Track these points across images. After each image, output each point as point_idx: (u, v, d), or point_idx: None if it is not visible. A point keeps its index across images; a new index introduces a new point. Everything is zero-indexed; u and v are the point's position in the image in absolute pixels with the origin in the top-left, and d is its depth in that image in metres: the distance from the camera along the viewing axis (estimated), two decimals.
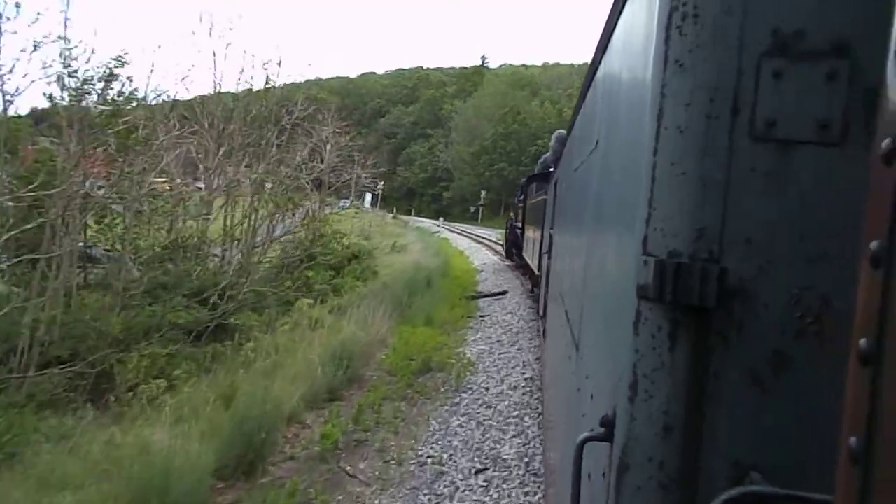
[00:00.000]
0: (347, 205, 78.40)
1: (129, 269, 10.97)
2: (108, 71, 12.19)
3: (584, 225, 3.29)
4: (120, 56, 12.23)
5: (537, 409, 8.20)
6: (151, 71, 14.43)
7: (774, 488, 1.11)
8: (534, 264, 14.79)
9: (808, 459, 1.14)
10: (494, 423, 7.78)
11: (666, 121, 1.26)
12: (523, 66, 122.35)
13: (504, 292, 19.50)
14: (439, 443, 7.29)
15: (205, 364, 9.63)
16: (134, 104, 12.80)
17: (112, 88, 12.26)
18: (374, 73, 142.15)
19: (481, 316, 15.57)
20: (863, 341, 0.63)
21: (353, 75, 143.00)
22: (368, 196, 73.14)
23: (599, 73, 3.19)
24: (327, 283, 15.55)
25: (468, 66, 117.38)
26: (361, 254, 19.57)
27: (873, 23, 0.68)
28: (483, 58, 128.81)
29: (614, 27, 2.45)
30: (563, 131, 12.53)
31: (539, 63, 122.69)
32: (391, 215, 64.37)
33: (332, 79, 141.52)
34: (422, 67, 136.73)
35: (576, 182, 4.59)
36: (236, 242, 15.23)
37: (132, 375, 7.94)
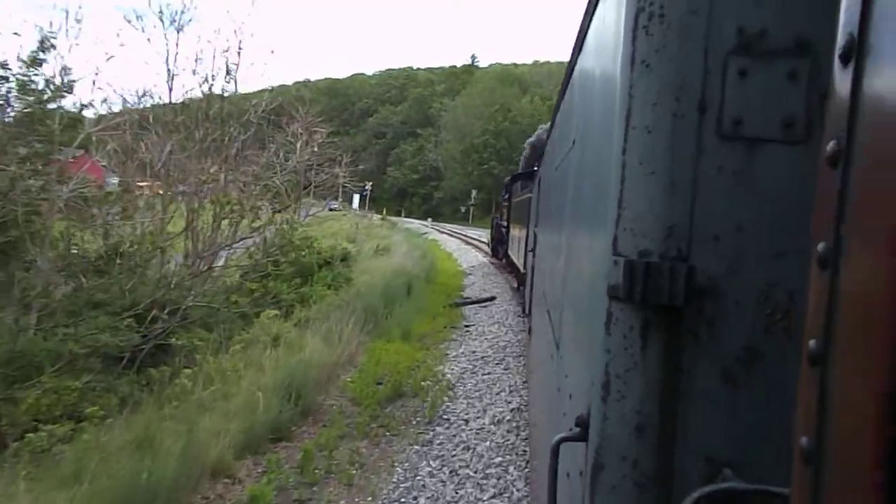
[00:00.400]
0: (336, 206, 77.39)
1: (50, 280, 9.43)
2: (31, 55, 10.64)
3: (564, 224, 3.28)
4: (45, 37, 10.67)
5: (524, 453, 6.77)
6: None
7: (746, 484, 1.12)
8: (519, 262, 14.89)
9: (780, 454, 1.09)
10: (472, 473, 6.33)
11: (634, 121, 1.27)
12: (513, 64, 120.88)
13: (492, 298, 18.12)
14: (401, 501, 5.83)
15: (133, 396, 8.12)
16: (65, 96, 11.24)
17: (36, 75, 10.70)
18: (364, 74, 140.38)
19: (466, 326, 14.19)
20: (812, 342, 0.65)
21: (342, 76, 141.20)
22: (356, 197, 71.78)
23: (576, 73, 3.18)
24: (295, 291, 14.15)
25: (458, 65, 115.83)
26: (335, 259, 18.00)
27: (833, 22, 0.67)
28: (473, 57, 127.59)
29: (588, 27, 2.48)
30: (533, 139, 15.09)
31: (529, 61, 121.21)
32: (379, 217, 62.79)
33: (322, 80, 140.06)
34: (411, 68, 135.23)
35: (556, 181, 4.55)
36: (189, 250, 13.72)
37: (27, 417, 6.45)
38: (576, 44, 3.05)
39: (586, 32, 2.56)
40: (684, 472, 1.22)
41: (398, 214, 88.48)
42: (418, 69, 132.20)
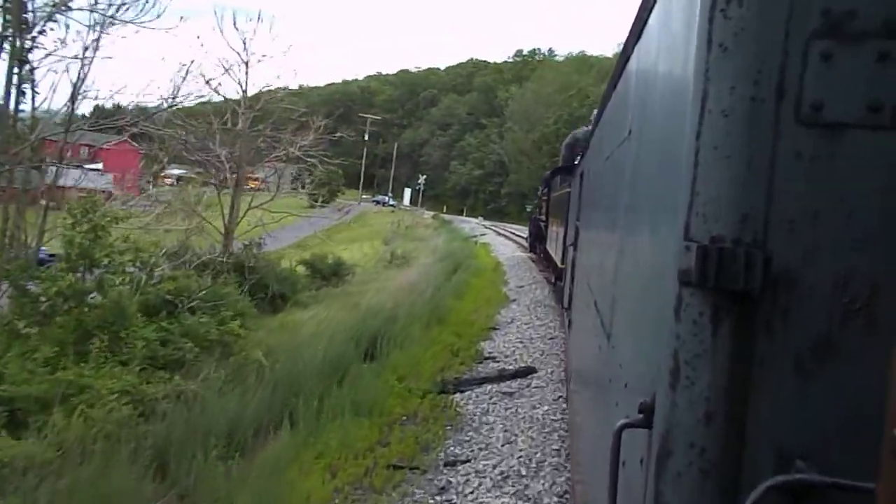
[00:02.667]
0: (386, 200, 74.22)
1: None
2: None
3: (617, 214, 3.33)
4: None
5: None
6: None
7: (821, 476, 1.12)
8: (557, 257, 14.69)
9: (853, 448, 1.13)
10: None
11: (710, 104, 1.28)
12: (588, 54, 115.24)
13: (531, 370, 10.30)
14: None
15: None
16: None
17: None
18: (437, 69, 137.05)
19: (459, 444, 7.38)
20: None
21: (413, 69, 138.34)
22: (408, 192, 68.60)
23: (632, 63, 3.25)
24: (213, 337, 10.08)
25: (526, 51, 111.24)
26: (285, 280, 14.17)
27: None
28: (540, 50, 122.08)
29: (648, 15, 2.52)
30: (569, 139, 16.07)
31: (609, 53, 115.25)
32: (430, 214, 59.42)
33: (394, 74, 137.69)
34: (484, 61, 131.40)
35: (606, 171, 4.68)
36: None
37: None
38: (631, 32, 3.10)
39: (646, 20, 2.59)
40: (753, 462, 1.23)
41: (460, 213, 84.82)
42: (486, 62, 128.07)
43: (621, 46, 3.61)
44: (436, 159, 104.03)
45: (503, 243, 40.54)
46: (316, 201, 75.11)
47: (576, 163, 11.81)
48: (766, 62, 1.22)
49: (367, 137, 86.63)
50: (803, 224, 1.20)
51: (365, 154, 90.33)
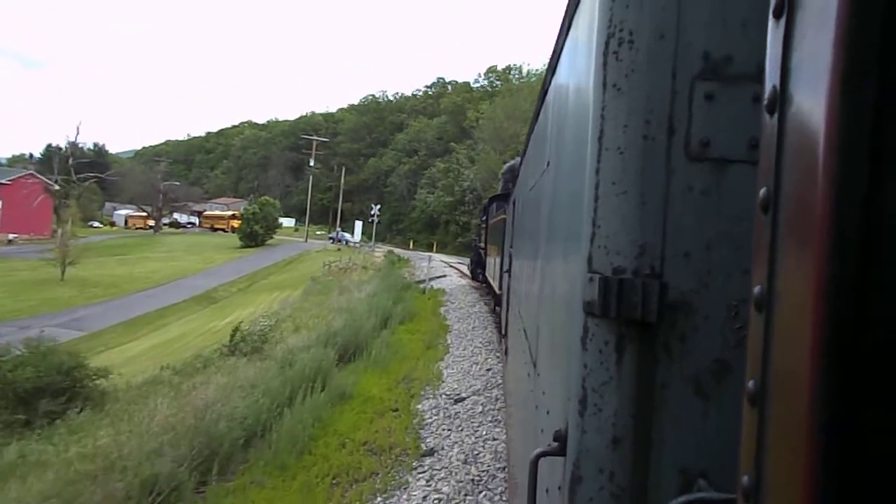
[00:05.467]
0: (348, 238, 64.38)
1: None
2: None
3: (539, 243, 3.45)
4: None
5: None
6: None
7: (719, 493, 1.18)
8: (495, 283, 15.32)
9: None
10: None
11: (606, 142, 1.35)
12: None
13: None
14: None
15: None
16: None
17: None
18: (404, 95, 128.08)
19: None
20: (750, 383, 0.69)
21: (382, 96, 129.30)
22: (358, 225, 58.64)
23: (550, 94, 3.29)
24: None
25: (499, 66, 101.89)
26: None
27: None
28: (522, 64, 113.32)
29: (561, 50, 2.61)
30: (511, 162, 18.20)
31: None
32: (383, 251, 49.50)
33: (363, 100, 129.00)
34: (453, 80, 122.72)
35: (530, 201, 4.85)
36: None
37: None
38: (549, 66, 3.12)
39: (560, 54, 2.65)
40: (659, 484, 1.28)
41: (430, 248, 74.92)
42: (456, 81, 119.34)
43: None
44: (402, 189, 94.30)
45: (466, 291, 30.37)
46: (247, 243, 66.82)
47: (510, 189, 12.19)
48: (656, 102, 1.30)
49: (311, 163, 76.79)
50: (697, 254, 1.27)
51: (310, 185, 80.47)
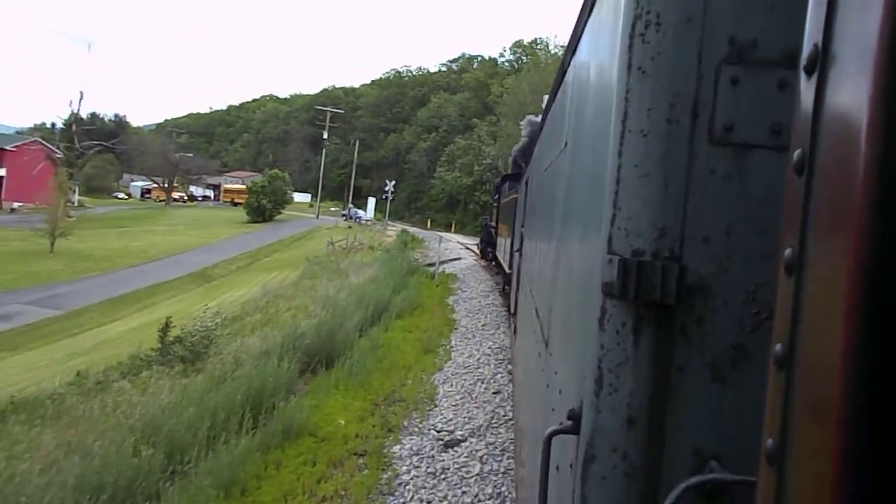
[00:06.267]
0: (361, 216, 61.31)
1: None
2: None
3: (553, 224, 3.41)
4: None
5: None
6: None
7: (732, 475, 1.19)
8: (506, 263, 15.04)
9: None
10: None
11: (630, 124, 1.35)
12: None
13: None
14: None
15: None
16: None
17: None
18: (427, 70, 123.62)
19: None
20: (778, 346, 0.69)
21: (405, 71, 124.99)
22: (371, 202, 55.30)
23: (569, 75, 3.26)
24: None
25: (525, 40, 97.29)
26: None
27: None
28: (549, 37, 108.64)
29: (582, 31, 2.57)
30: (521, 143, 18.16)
31: None
32: (396, 230, 46.34)
33: (385, 74, 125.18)
34: (479, 55, 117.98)
35: (545, 181, 4.73)
36: None
37: None
38: (569, 46, 3.16)
39: (580, 36, 2.62)
40: (672, 464, 1.28)
41: (448, 228, 71.56)
42: (480, 56, 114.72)
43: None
44: (421, 166, 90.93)
45: (480, 277, 27.22)
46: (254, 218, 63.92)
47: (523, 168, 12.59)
48: (681, 85, 1.29)
49: (325, 136, 73.57)
50: (717, 238, 1.26)
51: (323, 158, 77.39)
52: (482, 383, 10.64)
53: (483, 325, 16.06)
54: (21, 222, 48.02)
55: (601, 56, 1.83)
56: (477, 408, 9.39)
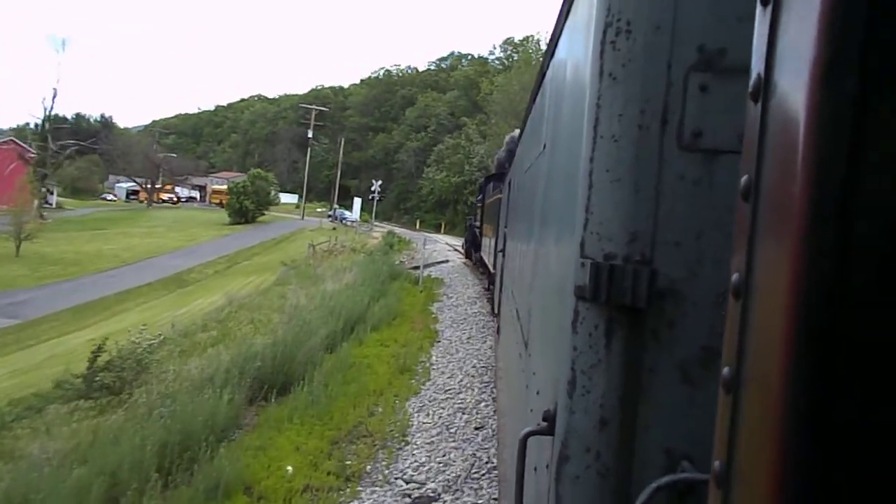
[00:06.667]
0: (347, 217, 59.55)
1: None
2: None
3: (533, 226, 3.42)
4: None
5: None
6: None
7: (703, 475, 1.18)
8: (490, 262, 15.35)
9: None
10: None
11: (601, 130, 1.36)
12: None
13: None
14: None
15: None
16: None
17: None
18: (416, 69, 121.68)
19: None
20: (725, 370, 0.70)
21: (395, 70, 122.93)
22: (357, 202, 53.45)
23: (547, 77, 3.30)
24: None
25: (516, 38, 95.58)
26: None
27: None
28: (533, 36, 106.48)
29: (560, 35, 2.61)
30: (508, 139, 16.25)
31: None
32: (383, 231, 44.69)
33: (374, 73, 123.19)
34: (458, 52, 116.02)
35: (525, 183, 4.86)
36: None
37: None
38: (548, 49, 3.23)
39: (559, 37, 2.64)
40: (644, 464, 1.29)
41: (437, 229, 69.88)
42: (470, 55, 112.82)
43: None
44: (410, 166, 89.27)
45: (468, 281, 25.66)
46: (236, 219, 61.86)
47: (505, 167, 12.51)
48: (651, 91, 1.31)
49: (311, 135, 71.78)
50: (687, 243, 1.27)
51: (308, 158, 75.59)
52: (463, 414, 9.08)
53: (468, 338, 14.50)
54: None
55: (576, 60, 1.85)
56: (455, 448, 7.82)
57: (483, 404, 9.42)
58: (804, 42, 0.60)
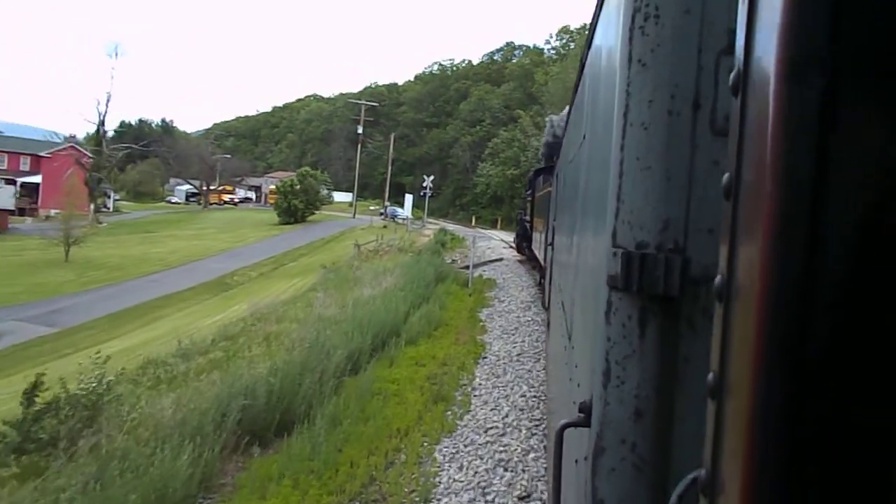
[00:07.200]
0: (400, 214, 57.96)
1: None
2: None
3: (575, 217, 3.46)
4: None
5: None
6: None
7: None
8: (541, 256, 15.21)
9: None
10: None
11: (631, 117, 1.34)
12: None
13: None
14: None
15: None
16: None
17: None
18: (470, 63, 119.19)
19: None
20: (710, 376, 0.69)
21: (449, 64, 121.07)
22: (409, 199, 51.52)
23: (586, 69, 3.31)
24: None
25: (572, 26, 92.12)
26: None
27: None
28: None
29: (595, 25, 2.61)
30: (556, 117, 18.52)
31: None
32: (434, 229, 42.75)
33: (428, 68, 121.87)
34: (513, 43, 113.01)
35: (569, 174, 4.80)
36: None
37: None
38: (587, 39, 3.14)
39: (595, 27, 2.65)
40: (681, 456, 1.26)
41: (493, 225, 67.64)
42: (525, 46, 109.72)
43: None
44: (465, 161, 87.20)
45: (524, 283, 23.45)
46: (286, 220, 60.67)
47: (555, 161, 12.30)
48: (682, 77, 1.27)
49: (360, 130, 70.35)
50: (720, 229, 1.19)
51: (359, 153, 74.30)
52: (505, 470, 6.96)
53: (518, 354, 12.34)
54: (50, 230, 46.42)
55: (609, 49, 1.84)
56: None
57: (532, 455, 7.29)
58: (772, 39, 0.58)
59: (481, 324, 15.88)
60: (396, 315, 14.15)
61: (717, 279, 0.67)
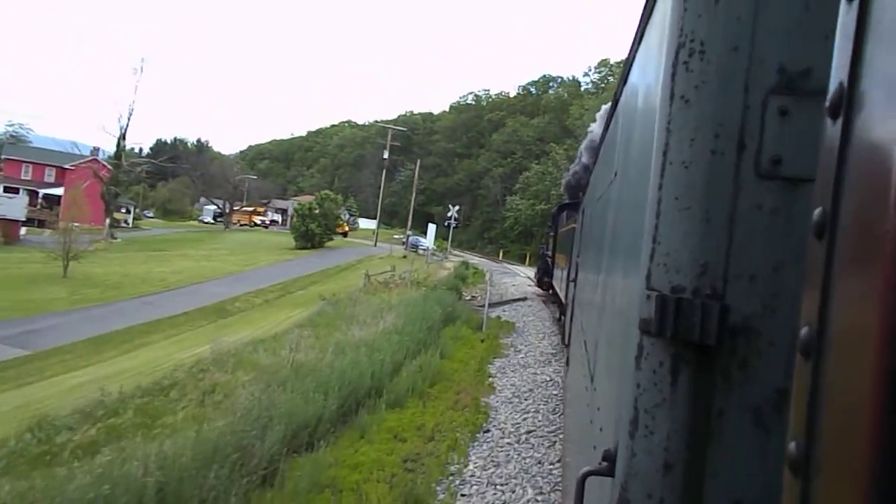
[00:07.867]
0: (421, 244, 55.53)
1: None
2: None
3: (602, 255, 3.34)
4: None
5: None
6: None
7: None
8: (562, 293, 15.19)
9: None
10: None
11: (671, 155, 1.29)
12: None
13: None
14: None
15: None
16: None
17: None
18: (507, 94, 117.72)
19: None
20: (792, 445, 0.61)
21: (484, 95, 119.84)
22: (431, 229, 48.80)
23: (620, 104, 3.22)
24: None
25: (612, 60, 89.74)
26: None
27: None
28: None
29: (633, 60, 2.54)
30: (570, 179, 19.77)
31: None
32: (456, 261, 40.18)
33: (461, 100, 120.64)
34: (549, 75, 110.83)
35: (597, 212, 4.75)
36: None
37: None
38: (622, 74, 3.07)
39: (631, 64, 2.59)
40: None
41: (522, 260, 64.94)
42: (560, 77, 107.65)
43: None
44: (495, 193, 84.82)
45: (546, 329, 20.67)
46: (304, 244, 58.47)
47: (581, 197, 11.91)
48: (726, 115, 1.21)
49: (386, 155, 68.38)
50: (763, 276, 1.19)
51: (383, 179, 72.14)
52: None
53: (528, 433, 9.60)
54: (62, 243, 44.93)
55: (647, 85, 1.80)
56: None
57: None
58: None
59: (490, 380, 13.19)
60: (384, 366, 11.55)
61: (804, 330, 0.59)
